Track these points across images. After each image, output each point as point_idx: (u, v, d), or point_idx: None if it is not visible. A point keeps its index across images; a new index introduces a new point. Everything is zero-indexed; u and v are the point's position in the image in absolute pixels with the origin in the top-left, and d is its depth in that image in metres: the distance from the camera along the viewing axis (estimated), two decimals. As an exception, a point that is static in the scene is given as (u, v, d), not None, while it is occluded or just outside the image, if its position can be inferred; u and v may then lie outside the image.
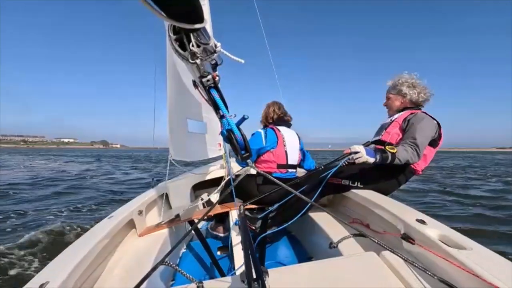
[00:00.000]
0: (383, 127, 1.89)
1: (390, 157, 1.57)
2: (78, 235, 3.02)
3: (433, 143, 1.75)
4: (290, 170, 2.10)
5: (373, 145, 1.81)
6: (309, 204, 1.18)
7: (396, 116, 1.85)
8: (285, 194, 1.74)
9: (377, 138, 1.86)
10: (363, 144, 1.64)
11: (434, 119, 1.74)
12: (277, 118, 2.16)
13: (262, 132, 2.05)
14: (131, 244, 1.51)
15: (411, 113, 1.77)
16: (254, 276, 0.63)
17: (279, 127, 2.11)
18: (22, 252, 2.65)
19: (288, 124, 2.21)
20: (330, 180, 1.72)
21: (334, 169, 1.69)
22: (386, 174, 1.74)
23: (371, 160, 1.56)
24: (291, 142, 2.09)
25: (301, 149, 2.27)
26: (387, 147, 1.62)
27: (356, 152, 1.55)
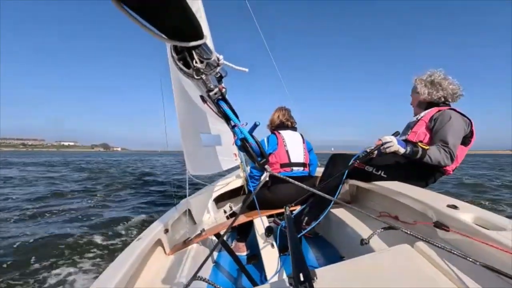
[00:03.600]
0: (409, 126, 1.84)
1: (420, 152, 1.53)
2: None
3: (465, 141, 1.67)
4: (295, 168, 2.14)
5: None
6: (333, 201, 1.17)
7: (422, 114, 1.79)
8: (304, 194, 1.75)
9: (403, 137, 1.81)
10: (392, 134, 1.64)
11: (465, 115, 1.65)
12: (279, 124, 2.28)
13: (265, 139, 2.19)
14: (161, 263, 1.53)
15: (438, 111, 1.69)
16: (302, 279, 0.62)
17: (281, 131, 2.22)
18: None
19: (292, 128, 2.30)
20: (353, 163, 1.73)
21: (355, 156, 1.73)
22: (412, 169, 1.67)
23: (402, 150, 1.54)
24: (292, 142, 2.18)
25: (309, 150, 2.32)
26: (419, 143, 1.58)
27: (387, 142, 1.55)
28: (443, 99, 1.75)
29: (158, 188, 8.02)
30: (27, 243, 3.41)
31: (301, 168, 2.17)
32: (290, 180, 0.90)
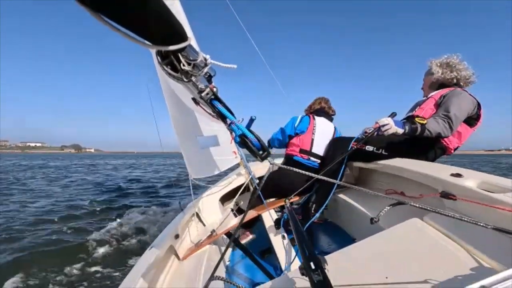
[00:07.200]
0: (418, 104, 1.85)
1: (419, 128, 1.52)
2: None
3: (471, 121, 1.67)
4: (312, 158, 2.08)
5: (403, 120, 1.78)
6: (336, 184, 1.18)
7: (433, 93, 1.79)
8: (310, 182, 1.76)
9: (409, 114, 1.82)
10: (389, 116, 1.61)
11: (475, 98, 1.65)
12: (318, 109, 2.24)
13: (299, 117, 2.16)
14: (177, 269, 1.53)
15: (449, 90, 1.70)
16: (313, 267, 0.62)
17: (317, 117, 2.16)
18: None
19: (329, 117, 2.25)
20: (353, 145, 1.73)
21: (354, 139, 1.75)
22: (412, 145, 1.67)
23: (400, 131, 1.52)
24: (322, 132, 2.11)
25: None
26: (416, 118, 1.57)
27: (385, 125, 1.53)
28: (455, 81, 1.76)
29: (163, 194, 8.01)
30: (38, 248, 3.51)
31: (318, 161, 2.10)
32: (292, 168, 0.90)
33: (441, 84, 1.81)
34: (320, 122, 2.14)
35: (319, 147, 2.10)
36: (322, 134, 2.11)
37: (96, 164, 26.33)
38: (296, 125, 2.12)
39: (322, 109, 2.23)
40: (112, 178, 12.63)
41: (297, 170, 0.87)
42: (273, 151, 2.40)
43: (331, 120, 2.27)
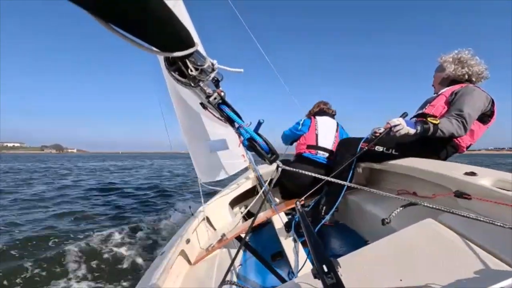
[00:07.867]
0: (428, 101, 1.81)
1: (432, 129, 1.49)
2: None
3: (484, 118, 1.63)
4: (320, 152, 2.18)
5: (414, 119, 1.75)
6: (345, 186, 1.17)
7: (444, 90, 1.76)
8: (321, 183, 1.76)
9: (419, 111, 1.79)
10: (400, 116, 1.58)
11: (488, 94, 1.62)
12: (318, 111, 2.40)
13: (302, 120, 2.33)
14: (188, 274, 1.54)
15: (461, 87, 1.67)
16: (326, 270, 0.61)
17: (318, 116, 2.31)
18: None
19: (329, 115, 2.40)
20: (362, 145, 1.72)
21: (363, 139, 1.75)
22: (423, 145, 1.64)
23: (412, 131, 1.49)
24: (324, 127, 2.25)
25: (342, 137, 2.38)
26: (429, 118, 1.54)
27: (396, 125, 1.50)
28: (467, 77, 1.72)
29: (172, 198, 8.08)
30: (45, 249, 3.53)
31: (327, 155, 2.20)
32: (300, 171, 0.90)
33: (452, 81, 1.78)
34: (321, 119, 2.28)
35: (325, 140, 2.21)
36: (325, 128, 2.24)
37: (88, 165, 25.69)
38: (299, 127, 2.28)
39: (321, 110, 2.38)
40: (113, 180, 12.79)
41: (305, 172, 0.86)
42: (280, 152, 2.47)
43: (333, 117, 2.41)
